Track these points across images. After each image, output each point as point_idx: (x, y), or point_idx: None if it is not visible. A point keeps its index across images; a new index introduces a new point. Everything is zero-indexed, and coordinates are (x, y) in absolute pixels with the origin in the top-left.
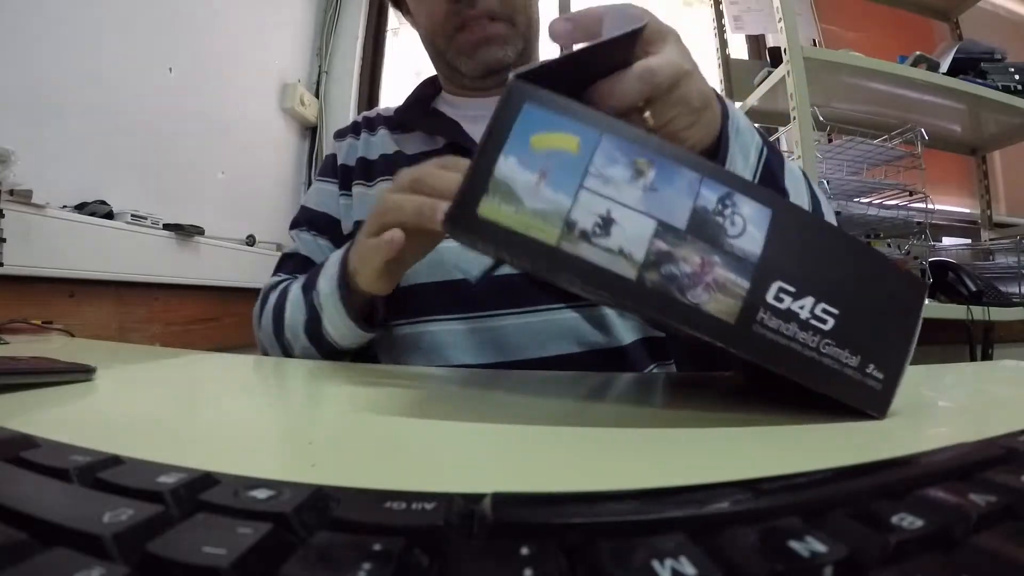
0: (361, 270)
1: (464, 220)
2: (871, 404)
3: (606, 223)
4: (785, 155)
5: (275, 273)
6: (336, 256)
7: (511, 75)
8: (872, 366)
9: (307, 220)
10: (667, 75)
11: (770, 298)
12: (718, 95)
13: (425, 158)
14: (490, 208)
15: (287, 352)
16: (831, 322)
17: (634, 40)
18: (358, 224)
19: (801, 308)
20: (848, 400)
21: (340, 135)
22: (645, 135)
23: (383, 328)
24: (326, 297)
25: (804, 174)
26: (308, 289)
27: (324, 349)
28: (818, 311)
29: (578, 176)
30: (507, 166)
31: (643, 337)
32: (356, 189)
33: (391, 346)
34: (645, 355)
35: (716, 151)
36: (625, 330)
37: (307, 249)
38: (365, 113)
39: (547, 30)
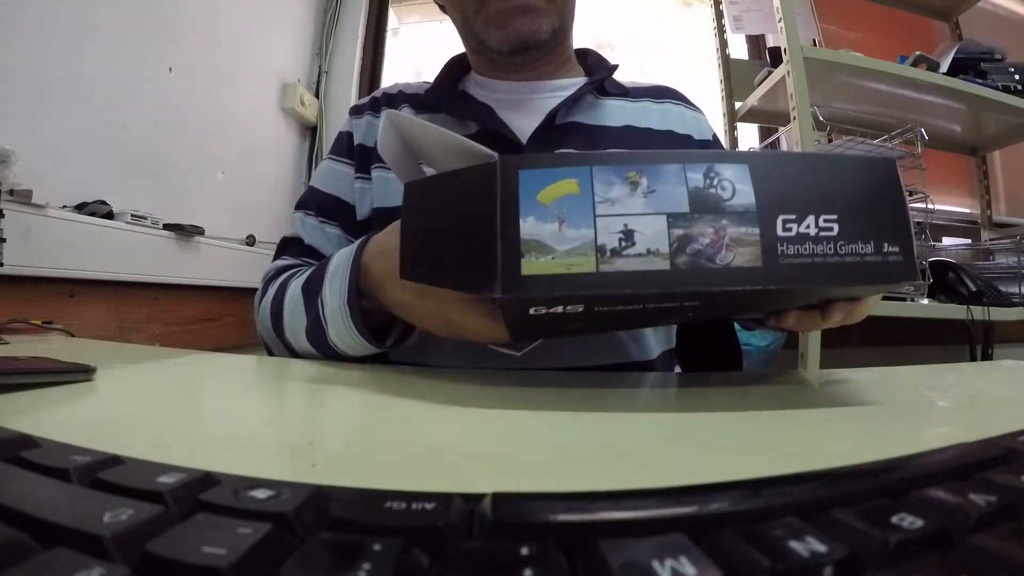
0: (406, 316)
1: (513, 284)
2: (901, 276)
3: (628, 234)
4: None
5: (278, 257)
6: (344, 260)
7: (496, 158)
8: (886, 244)
9: (315, 204)
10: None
11: (780, 231)
12: None
13: None
14: (530, 265)
15: (290, 349)
16: (836, 227)
17: None
18: (376, 211)
19: (807, 227)
20: (882, 282)
21: (358, 112)
22: (624, 154)
23: (403, 343)
24: (333, 312)
25: None
26: (310, 293)
27: (331, 355)
28: (822, 223)
29: (589, 208)
30: (529, 226)
31: (667, 349)
32: (376, 173)
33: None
34: (670, 367)
35: None
36: (656, 343)
37: (311, 238)
38: (385, 89)
39: None
